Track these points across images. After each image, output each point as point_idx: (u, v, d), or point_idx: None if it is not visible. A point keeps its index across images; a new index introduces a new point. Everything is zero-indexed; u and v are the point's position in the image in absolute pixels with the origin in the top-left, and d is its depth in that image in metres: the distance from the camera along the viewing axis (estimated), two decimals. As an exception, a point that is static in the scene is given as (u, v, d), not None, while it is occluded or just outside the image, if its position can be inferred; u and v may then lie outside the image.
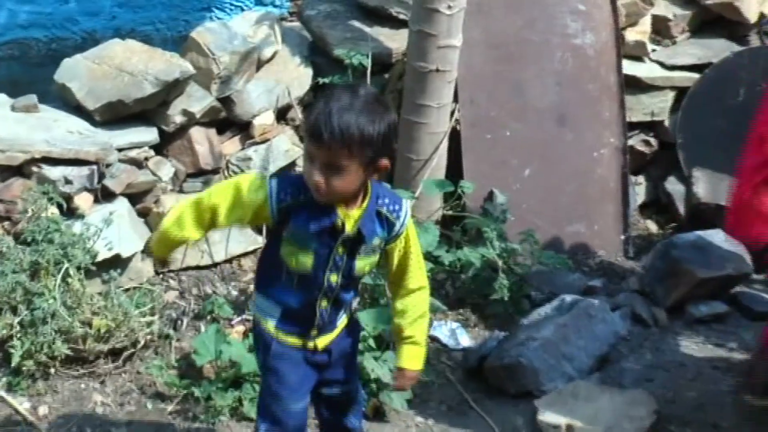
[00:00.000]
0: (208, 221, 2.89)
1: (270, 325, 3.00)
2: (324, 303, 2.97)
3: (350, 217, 2.83)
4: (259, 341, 3.06)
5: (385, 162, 2.76)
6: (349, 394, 3.25)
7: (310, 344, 3.03)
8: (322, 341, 3.05)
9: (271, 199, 2.79)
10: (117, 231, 4.46)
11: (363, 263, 2.93)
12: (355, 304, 3.14)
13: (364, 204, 2.85)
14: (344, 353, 3.15)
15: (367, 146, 2.67)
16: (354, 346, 3.22)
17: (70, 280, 4.16)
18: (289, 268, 2.88)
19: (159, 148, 4.85)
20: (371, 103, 2.69)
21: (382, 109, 2.72)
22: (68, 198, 4.40)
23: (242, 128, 5.11)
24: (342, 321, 3.09)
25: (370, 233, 2.86)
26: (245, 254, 5.10)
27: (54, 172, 4.37)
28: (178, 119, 4.81)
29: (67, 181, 4.38)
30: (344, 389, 3.22)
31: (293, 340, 3.01)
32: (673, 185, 5.99)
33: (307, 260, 2.86)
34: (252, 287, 4.85)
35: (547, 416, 3.93)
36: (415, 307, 3.08)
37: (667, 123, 6.03)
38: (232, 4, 5.81)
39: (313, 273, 2.89)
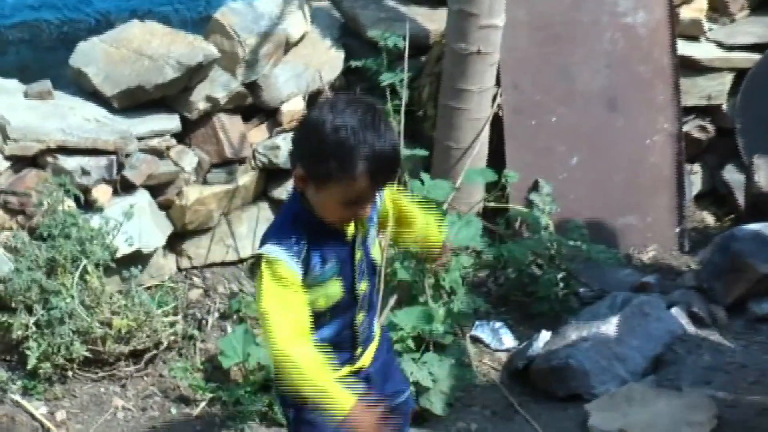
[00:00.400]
0: (306, 327, 2.70)
1: None
2: (361, 317, 2.93)
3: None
4: (290, 400, 2.89)
5: None
6: (409, 402, 3.23)
7: (358, 365, 2.96)
8: (368, 356, 3.00)
9: (288, 262, 2.64)
10: (137, 225, 4.48)
11: (375, 250, 2.90)
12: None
13: None
14: (387, 361, 3.12)
15: None
16: (391, 349, 3.21)
17: (88, 277, 4.18)
18: (320, 309, 2.78)
19: (181, 137, 4.86)
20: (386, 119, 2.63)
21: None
22: (86, 190, 4.41)
23: (269, 115, 5.11)
24: (377, 327, 3.06)
25: (369, 219, 2.82)
26: (273, 250, 5.10)
27: (70, 163, 4.39)
28: (202, 106, 4.82)
29: (85, 172, 4.40)
30: (405, 397, 3.19)
31: (342, 373, 2.90)
32: (732, 174, 5.94)
33: (336, 290, 2.79)
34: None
35: (598, 421, 3.91)
36: (434, 219, 3.18)
37: (725, 107, 5.98)
38: (256, -17, 5.81)
39: (345, 297, 2.82)
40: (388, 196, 2.95)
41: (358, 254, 2.81)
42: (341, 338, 2.89)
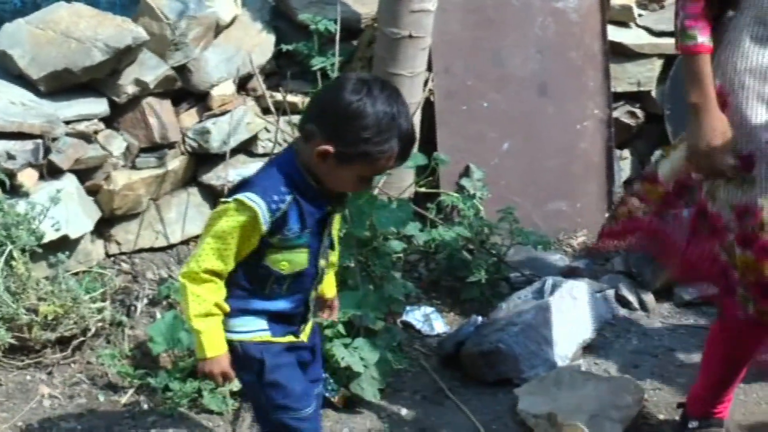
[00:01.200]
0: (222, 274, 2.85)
1: (258, 337, 2.94)
2: (313, 293, 3.02)
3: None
4: (246, 364, 2.96)
5: None
6: (321, 390, 3.31)
7: (300, 338, 3.03)
8: (306, 332, 3.06)
9: (262, 216, 2.75)
10: (65, 210, 4.42)
11: (335, 230, 3.03)
12: None
13: None
14: (317, 343, 3.19)
15: None
16: (320, 334, 3.28)
17: (14, 263, 4.13)
18: (279, 274, 2.87)
19: (109, 121, 4.81)
20: None
21: None
22: (11, 175, 4.34)
23: (199, 99, 5.07)
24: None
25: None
26: (203, 235, 5.08)
27: (-5, 147, 4.33)
28: (130, 89, 4.77)
29: (10, 157, 4.33)
30: (322, 384, 3.29)
31: (287, 339, 2.99)
32: (661, 160, 6.01)
33: (302, 259, 2.88)
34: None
35: (527, 405, 3.95)
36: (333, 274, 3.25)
37: (654, 93, 6.04)
38: (186, -35, 5.76)
39: (309, 269, 2.91)
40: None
41: (329, 229, 2.93)
42: (295, 311, 2.97)
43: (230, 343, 2.92)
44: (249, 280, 2.88)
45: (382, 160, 2.75)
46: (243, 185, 2.83)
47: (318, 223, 2.86)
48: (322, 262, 2.97)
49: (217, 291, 2.83)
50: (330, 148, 2.71)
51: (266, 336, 2.94)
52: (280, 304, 2.93)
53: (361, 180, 2.82)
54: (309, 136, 2.76)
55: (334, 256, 3.14)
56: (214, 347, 2.84)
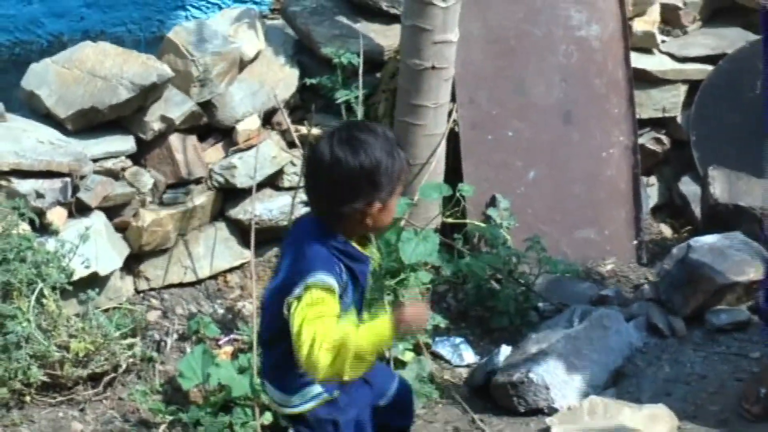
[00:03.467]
0: None
1: (322, 400, 3.06)
2: None
3: (366, 248, 3.08)
4: (320, 427, 3.09)
5: None
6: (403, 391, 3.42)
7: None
8: None
9: (337, 291, 2.86)
10: (94, 247, 4.47)
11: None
12: None
13: None
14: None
15: None
16: None
17: (44, 300, 4.17)
18: None
19: (136, 158, 4.86)
20: None
21: None
22: (40, 213, 4.40)
23: (225, 134, 5.12)
24: None
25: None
26: (231, 269, 5.11)
27: (24, 186, 4.37)
28: (156, 126, 4.83)
29: (39, 195, 4.39)
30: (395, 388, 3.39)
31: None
32: (688, 186, 6.01)
33: (353, 319, 2.94)
34: (241, 304, 4.88)
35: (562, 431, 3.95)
36: None
37: (679, 119, 6.05)
38: (208, 2, 5.84)
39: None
40: None
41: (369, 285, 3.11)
42: None
43: (301, 416, 3.06)
44: None
45: (404, 173, 2.98)
46: (303, 273, 2.86)
47: (364, 280, 3.01)
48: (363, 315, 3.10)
49: (334, 323, 2.81)
50: (377, 204, 2.90)
51: (325, 397, 3.05)
52: None
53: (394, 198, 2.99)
54: (350, 212, 2.90)
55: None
56: (382, 327, 2.82)
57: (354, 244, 2.96)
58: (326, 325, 2.76)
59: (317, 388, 3.03)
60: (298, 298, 2.82)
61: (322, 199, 2.95)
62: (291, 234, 3.14)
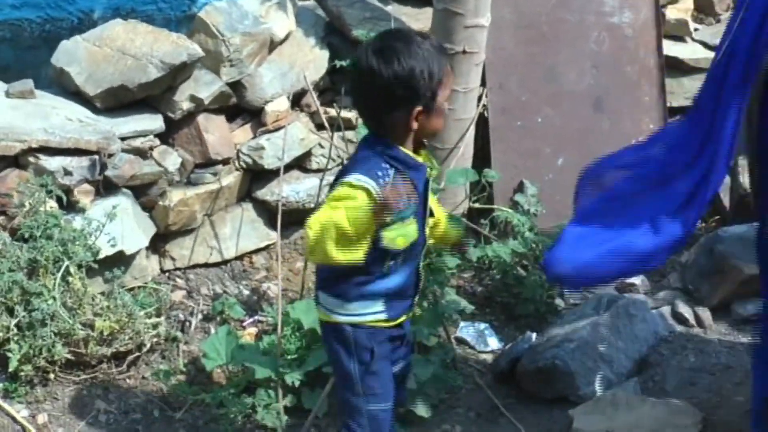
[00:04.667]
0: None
1: (372, 320, 3.09)
2: (421, 262, 3.21)
3: (420, 155, 3.06)
4: (356, 352, 3.11)
5: None
6: (409, 366, 3.45)
7: (412, 313, 3.23)
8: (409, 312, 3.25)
9: (374, 190, 2.87)
10: (120, 226, 4.45)
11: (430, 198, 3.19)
12: None
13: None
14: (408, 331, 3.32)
15: None
16: None
17: (70, 279, 4.16)
18: (396, 251, 3.01)
19: (165, 137, 4.85)
20: None
21: None
22: (68, 191, 4.39)
23: (254, 115, 5.10)
24: None
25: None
26: (257, 251, 5.11)
27: (52, 163, 4.36)
28: (185, 106, 4.81)
29: (67, 173, 4.38)
30: (408, 362, 3.42)
31: (396, 323, 3.14)
32: (718, 175, 5.94)
33: (413, 229, 3.02)
34: (266, 286, 4.87)
35: (584, 424, 3.91)
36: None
37: (710, 108, 5.98)
38: (240, -18, 5.80)
39: (419, 238, 3.06)
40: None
41: (430, 194, 3.11)
42: (408, 284, 3.13)
43: (341, 326, 3.08)
44: (367, 263, 2.94)
45: (446, 75, 2.95)
46: (342, 173, 2.98)
47: (420, 187, 3.00)
48: (427, 230, 3.11)
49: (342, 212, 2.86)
50: (419, 108, 2.91)
51: (381, 318, 3.08)
52: (397, 279, 3.07)
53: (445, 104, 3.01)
54: (394, 120, 2.94)
55: (439, 213, 3.28)
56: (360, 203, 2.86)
57: (406, 150, 2.98)
58: (332, 211, 2.83)
59: (378, 305, 3.07)
60: (336, 192, 2.90)
61: (365, 110, 3.03)
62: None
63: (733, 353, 4.56)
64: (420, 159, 3.02)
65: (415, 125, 2.94)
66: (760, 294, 3.81)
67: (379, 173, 2.91)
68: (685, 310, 4.80)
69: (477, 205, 5.18)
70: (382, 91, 2.91)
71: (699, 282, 4.89)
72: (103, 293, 4.33)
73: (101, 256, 4.36)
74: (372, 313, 3.08)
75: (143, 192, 4.74)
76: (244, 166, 5.02)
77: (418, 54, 2.89)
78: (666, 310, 4.80)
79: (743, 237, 4.84)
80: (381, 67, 2.88)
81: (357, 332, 3.09)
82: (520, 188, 5.28)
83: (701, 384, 4.34)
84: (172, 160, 4.80)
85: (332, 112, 5.12)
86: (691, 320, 4.77)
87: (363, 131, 4.71)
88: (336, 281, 3.07)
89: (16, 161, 4.39)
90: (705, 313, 4.79)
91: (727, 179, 5.72)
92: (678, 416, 3.90)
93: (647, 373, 4.42)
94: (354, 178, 2.88)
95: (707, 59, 5.89)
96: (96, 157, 4.46)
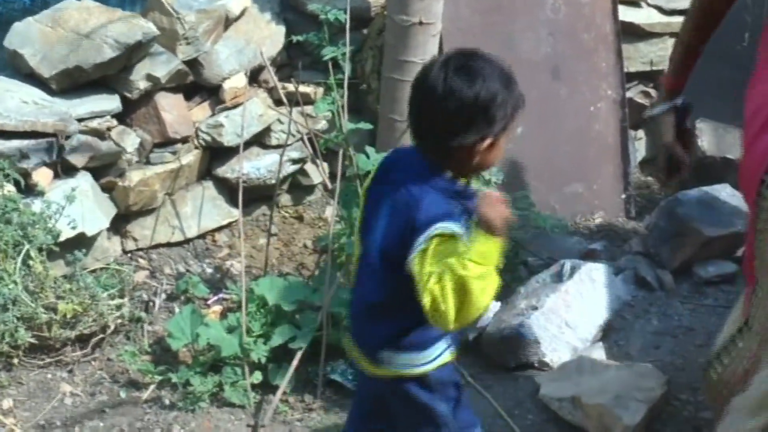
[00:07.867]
0: None
1: (444, 360, 2.89)
2: None
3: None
4: (444, 392, 2.94)
5: None
6: None
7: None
8: None
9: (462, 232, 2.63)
10: (80, 208, 4.41)
11: None
12: None
13: None
14: None
15: None
16: None
17: (31, 262, 4.12)
18: None
19: (122, 117, 4.78)
20: None
21: None
22: (26, 174, 4.34)
23: (212, 93, 5.05)
24: None
25: None
26: (219, 228, 5.08)
27: (9, 146, 4.30)
28: (142, 85, 4.74)
29: (24, 156, 4.32)
30: None
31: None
32: (676, 139, 5.95)
33: None
34: (229, 264, 4.84)
35: (550, 390, 3.92)
36: None
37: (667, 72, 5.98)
38: (194, -41, 5.73)
39: None
40: None
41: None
42: None
43: (423, 377, 2.86)
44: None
45: (520, 108, 2.72)
46: (426, 222, 2.63)
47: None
48: None
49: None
50: (489, 140, 2.66)
51: (450, 354, 2.89)
52: None
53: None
54: (458, 148, 2.66)
55: None
56: (483, 245, 2.58)
57: (464, 183, 2.74)
58: (452, 270, 2.54)
59: (443, 344, 2.86)
60: (423, 252, 2.60)
61: (431, 132, 2.70)
62: (385, 174, 2.87)
63: (696, 315, 4.58)
64: (474, 186, 2.81)
65: (477, 157, 2.69)
66: None
67: (457, 212, 2.65)
68: (647, 273, 4.80)
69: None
70: (458, 114, 2.63)
71: (660, 246, 4.89)
72: (65, 276, 4.29)
73: (62, 238, 4.32)
74: (444, 350, 2.88)
75: (102, 173, 4.69)
76: (203, 144, 4.98)
77: (501, 79, 2.68)
78: (628, 274, 4.80)
79: (702, 200, 4.85)
80: (464, 87, 2.62)
81: (439, 373, 2.88)
82: (480, 158, 5.25)
83: (665, 347, 4.35)
84: (131, 140, 4.75)
85: (290, 87, 5.09)
86: (654, 284, 4.77)
87: (322, 106, 4.75)
88: (407, 335, 2.82)
89: (-29, 146, 4.32)
90: (667, 277, 4.79)
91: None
92: (643, 379, 3.90)
93: (611, 338, 4.42)
94: (443, 227, 2.61)
95: (662, 24, 5.90)
96: (53, 139, 4.39)
